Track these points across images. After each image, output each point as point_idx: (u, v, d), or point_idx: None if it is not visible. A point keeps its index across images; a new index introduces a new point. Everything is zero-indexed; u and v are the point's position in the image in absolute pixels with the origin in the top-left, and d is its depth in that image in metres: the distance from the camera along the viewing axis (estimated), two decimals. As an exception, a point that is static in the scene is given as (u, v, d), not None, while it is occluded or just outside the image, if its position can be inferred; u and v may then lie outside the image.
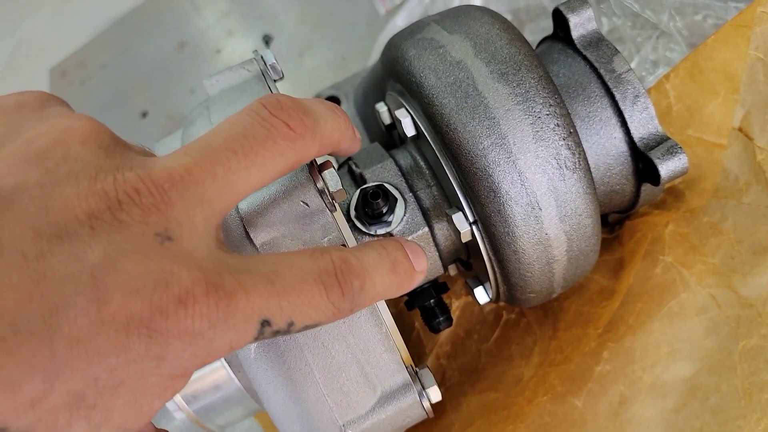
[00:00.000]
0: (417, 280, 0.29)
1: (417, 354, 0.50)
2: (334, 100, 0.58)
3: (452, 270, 0.46)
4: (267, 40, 0.79)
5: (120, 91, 0.89)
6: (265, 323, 0.22)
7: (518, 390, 0.44)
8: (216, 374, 0.37)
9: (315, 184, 0.31)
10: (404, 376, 0.33)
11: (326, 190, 0.31)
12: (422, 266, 0.29)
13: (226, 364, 0.36)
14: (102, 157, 0.21)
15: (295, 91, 0.72)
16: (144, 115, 0.85)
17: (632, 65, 0.53)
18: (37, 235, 0.18)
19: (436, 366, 0.49)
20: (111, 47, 0.95)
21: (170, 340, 0.19)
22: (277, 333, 0.23)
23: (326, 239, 0.31)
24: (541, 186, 0.34)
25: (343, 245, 0.31)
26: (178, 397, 0.37)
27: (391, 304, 0.52)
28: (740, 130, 0.45)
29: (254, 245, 0.31)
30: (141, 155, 0.24)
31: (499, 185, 0.34)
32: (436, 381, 0.48)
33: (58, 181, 0.20)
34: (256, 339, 0.22)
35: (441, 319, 0.41)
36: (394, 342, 0.33)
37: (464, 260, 0.44)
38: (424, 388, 0.34)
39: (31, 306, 0.18)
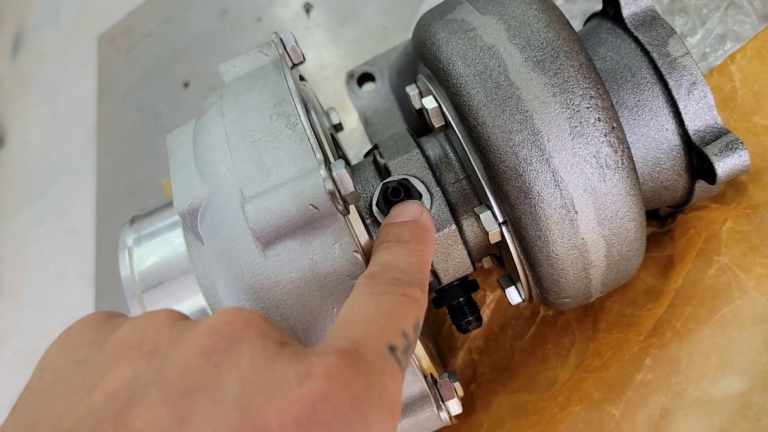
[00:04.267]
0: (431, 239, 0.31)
1: (448, 347, 0.48)
2: (368, 76, 0.55)
3: (487, 262, 0.44)
4: (308, 8, 0.76)
5: (163, 60, 0.89)
6: (392, 348, 0.23)
7: (551, 394, 0.42)
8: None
9: (325, 187, 0.29)
10: (421, 386, 0.31)
11: (337, 193, 0.28)
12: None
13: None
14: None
15: (334, 63, 0.69)
16: (186, 85, 0.84)
17: (696, 39, 0.47)
18: None
19: (467, 361, 0.47)
20: (156, 14, 0.95)
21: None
22: (408, 347, 0.24)
23: (337, 244, 0.29)
24: (578, 187, 0.31)
25: (355, 252, 0.29)
26: None
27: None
28: (815, 117, 0.40)
29: (262, 250, 0.29)
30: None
31: (531, 186, 0.31)
32: (467, 376, 0.46)
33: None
34: (402, 367, 0.23)
35: (470, 318, 0.39)
36: (411, 353, 0.31)
37: (498, 256, 0.41)
38: (443, 401, 0.32)
39: None
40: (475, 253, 0.38)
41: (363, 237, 0.31)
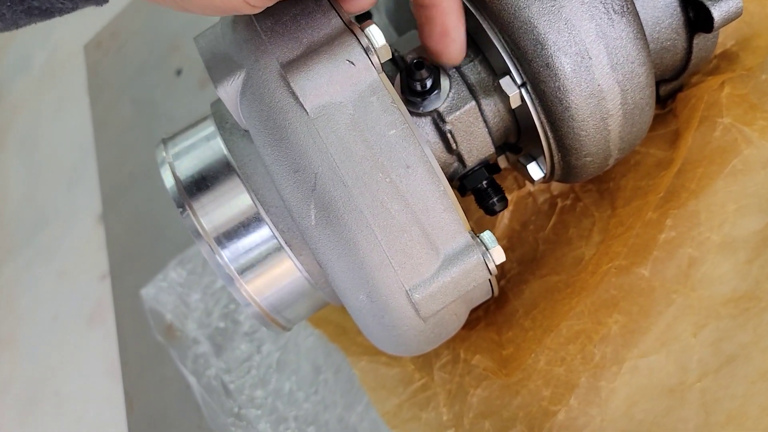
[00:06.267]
0: None
1: (474, 252, 0.50)
2: (366, 15, 0.57)
3: (502, 163, 0.46)
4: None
5: (154, 53, 0.91)
6: None
7: (580, 268, 0.43)
8: (282, 265, 0.37)
9: (359, 42, 0.31)
10: (466, 237, 0.33)
11: (371, 47, 0.30)
12: None
13: (290, 252, 0.36)
14: None
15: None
16: (179, 72, 0.86)
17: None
18: None
19: (494, 260, 0.48)
20: (142, 13, 0.97)
21: None
22: None
23: (374, 97, 0.31)
24: (590, 33, 0.33)
25: (392, 103, 0.31)
26: (248, 291, 0.37)
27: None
28: (794, -22, 0.43)
29: (305, 110, 0.31)
30: None
31: (546, 36, 0.33)
32: (496, 275, 0.48)
33: None
34: None
35: (495, 199, 0.41)
36: (452, 202, 0.32)
37: (513, 144, 0.43)
38: (487, 249, 0.34)
39: None
40: (494, 135, 0.40)
41: (394, 93, 0.33)
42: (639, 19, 0.34)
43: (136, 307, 0.66)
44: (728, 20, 0.36)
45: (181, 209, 0.36)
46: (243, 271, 0.36)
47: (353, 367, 0.47)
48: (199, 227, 0.35)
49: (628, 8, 0.34)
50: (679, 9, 0.38)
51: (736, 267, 0.38)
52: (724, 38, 0.45)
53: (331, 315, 0.51)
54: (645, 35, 0.35)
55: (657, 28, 0.38)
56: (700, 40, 0.39)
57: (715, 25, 0.36)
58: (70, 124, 1.03)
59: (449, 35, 0.35)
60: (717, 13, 0.36)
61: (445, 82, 0.38)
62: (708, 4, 0.36)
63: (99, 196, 0.88)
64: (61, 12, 0.27)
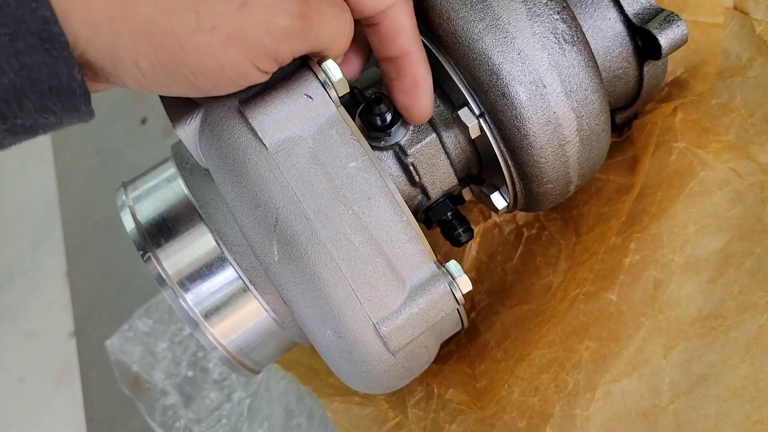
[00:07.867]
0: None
1: (443, 286, 0.50)
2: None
3: (467, 195, 0.46)
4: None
5: (118, 105, 0.90)
6: None
7: (549, 296, 0.43)
8: (248, 305, 0.36)
9: (317, 77, 0.31)
10: (431, 267, 0.33)
11: (329, 81, 0.31)
12: None
13: (255, 291, 0.36)
14: None
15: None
16: (143, 121, 0.85)
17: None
18: None
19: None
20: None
21: None
22: None
23: (334, 130, 0.31)
24: (543, 62, 0.34)
25: (352, 136, 0.31)
26: (214, 334, 0.36)
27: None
28: (735, 8, 0.44)
29: (264, 145, 0.31)
30: None
31: (501, 66, 0.34)
32: (466, 308, 0.48)
33: None
34: None
35: (460, 230, 0.41)
36: (416, 232, 0.32)
37: (476, 176, 0.43)
38: (453, 279, 0.33)
39: None
40: (456, 166, 0.40)
41: (352, 125, 0.33)
42: (589, 47, 0.35)
43: (102, 362, 0.64)
44: (675, 47, 0.38)
45: (141, 253, 0.35)
46: (208, 314, 0.36)
47: (325, 409, 0.45)
48: (161, 271, 0.35)
49: (578, 38, 0.34)
50: (628, 38, 0.39)
51: (700, 287, 0.38)
52: (674, 66, 0.46)
53: (301, 357, 0.50)
54: (596, 63, 0.35)
55: (608, 57, 0.39)
56: (650, 68, 0.40)
57: (663, 51, 0.37)
58: (35, 182, 1.01)
59: (420, 86, 0.34)
60: (664, 40, 0.37)
61: (404, 116, 0.38)
62: (655, 32, 0.37)
63: (63, 251, 0.86)
64: (45, 129, 0.26)
